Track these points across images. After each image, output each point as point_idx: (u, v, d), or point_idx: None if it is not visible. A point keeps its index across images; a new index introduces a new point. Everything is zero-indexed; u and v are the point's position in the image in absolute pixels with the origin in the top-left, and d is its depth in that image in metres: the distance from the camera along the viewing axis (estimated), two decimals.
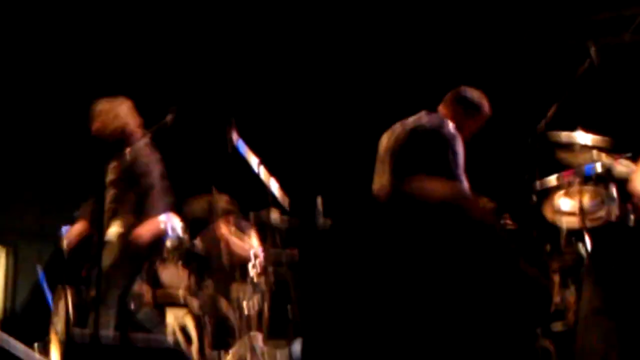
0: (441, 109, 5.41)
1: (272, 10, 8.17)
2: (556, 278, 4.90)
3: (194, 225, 6.25)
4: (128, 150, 5.54)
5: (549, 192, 5.36)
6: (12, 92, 8.23)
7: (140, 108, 5.95)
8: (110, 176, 5.66)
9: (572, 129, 5.40)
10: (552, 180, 5.32)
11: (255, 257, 5.94)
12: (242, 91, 8.38)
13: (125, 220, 5.63)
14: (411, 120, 5.33)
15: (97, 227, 5.31)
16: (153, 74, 8.21)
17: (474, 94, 5.45)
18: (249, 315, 5.78)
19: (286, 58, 8.41)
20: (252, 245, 6.43)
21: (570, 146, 5.41)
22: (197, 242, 5.96)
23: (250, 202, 6.43)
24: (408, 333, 2.62)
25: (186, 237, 5.85)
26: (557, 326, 4.76)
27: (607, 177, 5.19)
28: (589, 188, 5.31)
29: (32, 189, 8.59)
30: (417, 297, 2.66)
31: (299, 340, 5.40)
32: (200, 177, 6.77)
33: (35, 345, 5.58)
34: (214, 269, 6.11)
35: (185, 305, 5.68)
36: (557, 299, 4.83)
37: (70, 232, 5.92)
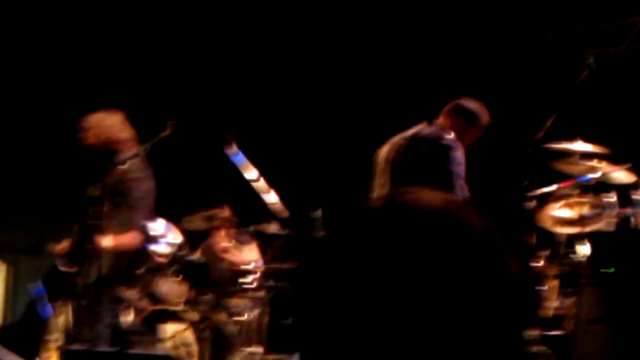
0: (441, 120, 5.44)
1: (273, 24, 8.20)
2: (555, 284, 4.90)
3: (194, 238, 6.24)
4: (117, 165, 5.52)
5: (548, 201, 5.37)
6: (14, 108, 8.26)
7: (140, 121, 5.94)
8: (97, 191, 5.63)
9: (572, 139, 5.42)
10: (552, 189, 5.33)
11: (255, 269, 5.94)
12: (242, 104, 8.40)
13: (111, 234, 5.59)
14: (411, 132, 5.36)
15: (84, 241, 5.29)
16: (154, 86, 8.22)
17: (473, 104, 5.49)
18: (249, 329, 5.78)
19: (287, 70, 8.43)
20: (252, 258, 6.42)
21: (569, 156, 5.43)
22: (197, 254, 5.95)
23: (250, 214, 6.42)
24: (402, 344, 2.63)
25: (186, 249, 5.85)
26: (555, 332, 4.75)
27: (606, 184, 5.21)
28: (588, 197, 5.33)
29: (33, 204, 8.60)
30: (407, 308, 2.67)
31: (298, 355, 5.38)
32: (200, 189, 6.77)
33: None
34: (214, 281, 6.10)
35: (185, 318, 5.66)
36: (555, 304, 4.83)
37: (59, 246, 5.92)
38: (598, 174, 5.30)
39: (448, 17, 7.89)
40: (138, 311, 5.55)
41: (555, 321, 4.75)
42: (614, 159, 5.39)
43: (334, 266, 2.74)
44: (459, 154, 5.19)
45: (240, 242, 6.69)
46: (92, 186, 5.32)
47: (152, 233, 5.70)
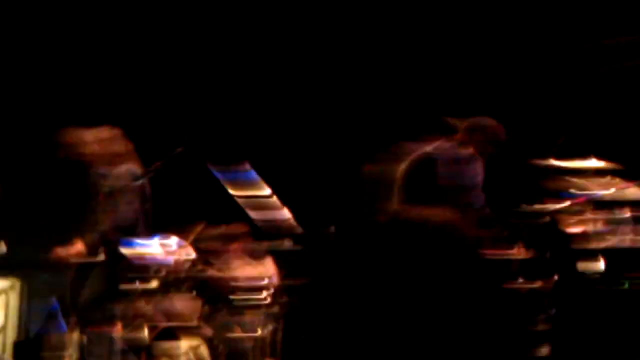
0: (460, 136, 5.52)
1: (280, 42, 8.25)
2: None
3: (208, 254, 6.25)
4: (106, 181, 5.55)
5: (562, 217, 5.40)
6: (20, 121, 8.29)
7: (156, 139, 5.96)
8: (89, 206, 5.66)
9: (586, 156, 5.46)
10: (565, 206, 5.36)
11: (270, 285, 5.95)
12: (255, 122, 8.42)
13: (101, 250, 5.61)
14: (430, 148, 5.45)
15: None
16: (168, 104, 8.26)
17: (490, 122, 5.57)
18: (263, 344, 5.79)
19: (300, 89, 8.46)
20: (266, 274, 6.43)
21: (583, 172, 5.46)
22: (212, 270, 5.96)
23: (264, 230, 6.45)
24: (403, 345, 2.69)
25: (200, 266, 5.86)
26: None
27: (620, 201, 5.24)
28: (602, 214, 5.36)
29: (44, 220, 8.61)
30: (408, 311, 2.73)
31: None
32: (214, 205, 6.79)
33: None
34: (227, 297, 6.11)
35: (199, 334, 5.68)
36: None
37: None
38: (611, 191, 5.34)
39: (461, 34, 7.91)
40: (152, 327, 5.57)
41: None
42: (628, 175, 5.42)
43: (340, 279, 2.81)
44: (477, 168, 5.30)
45: (255, 258, 6.70)
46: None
47: (164, 249, 5.72)
